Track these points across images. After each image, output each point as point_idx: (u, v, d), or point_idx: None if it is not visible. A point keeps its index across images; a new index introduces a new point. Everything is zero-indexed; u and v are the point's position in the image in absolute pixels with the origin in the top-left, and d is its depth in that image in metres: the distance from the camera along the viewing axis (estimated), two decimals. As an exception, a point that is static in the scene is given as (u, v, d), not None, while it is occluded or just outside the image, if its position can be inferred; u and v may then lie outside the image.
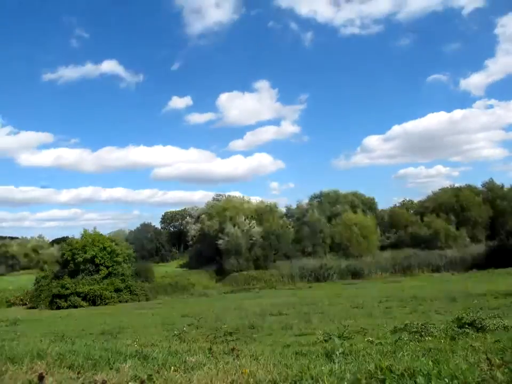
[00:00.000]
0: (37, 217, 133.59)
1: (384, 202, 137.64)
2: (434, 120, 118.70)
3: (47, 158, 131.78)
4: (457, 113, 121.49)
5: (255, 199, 71.37)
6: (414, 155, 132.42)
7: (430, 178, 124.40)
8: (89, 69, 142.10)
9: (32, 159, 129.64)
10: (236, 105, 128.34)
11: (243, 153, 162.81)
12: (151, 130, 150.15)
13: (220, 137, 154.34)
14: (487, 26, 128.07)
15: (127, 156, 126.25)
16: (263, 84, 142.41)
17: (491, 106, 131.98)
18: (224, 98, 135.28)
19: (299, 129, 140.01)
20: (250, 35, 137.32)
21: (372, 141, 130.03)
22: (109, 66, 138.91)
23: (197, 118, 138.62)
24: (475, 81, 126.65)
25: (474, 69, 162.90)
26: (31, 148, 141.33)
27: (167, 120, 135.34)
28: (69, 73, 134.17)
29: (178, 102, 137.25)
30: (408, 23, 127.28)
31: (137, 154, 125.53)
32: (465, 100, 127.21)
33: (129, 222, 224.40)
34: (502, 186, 65.24)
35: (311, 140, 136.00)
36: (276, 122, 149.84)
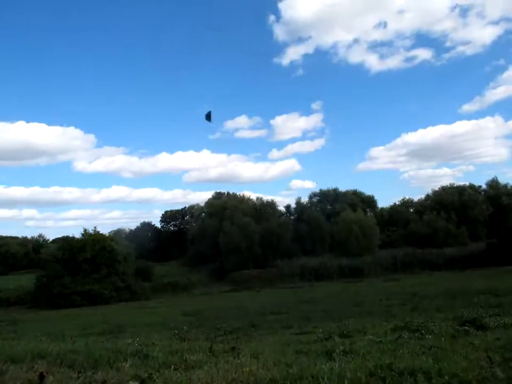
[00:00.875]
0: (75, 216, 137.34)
1: (384, 201, 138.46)
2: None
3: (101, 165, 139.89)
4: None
5: (255, 197, 71.25)
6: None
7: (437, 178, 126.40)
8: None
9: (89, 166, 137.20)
10: (288, 125, 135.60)
11: (277, 159, 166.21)
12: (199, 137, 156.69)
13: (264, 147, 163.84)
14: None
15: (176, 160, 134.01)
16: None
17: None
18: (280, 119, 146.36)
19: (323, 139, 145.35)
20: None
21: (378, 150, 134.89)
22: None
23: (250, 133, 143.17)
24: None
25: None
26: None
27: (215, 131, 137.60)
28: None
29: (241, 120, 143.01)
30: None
31: (185, 158, 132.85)
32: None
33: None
34: (506, 185, 65.39)
35: (331, 146, 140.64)
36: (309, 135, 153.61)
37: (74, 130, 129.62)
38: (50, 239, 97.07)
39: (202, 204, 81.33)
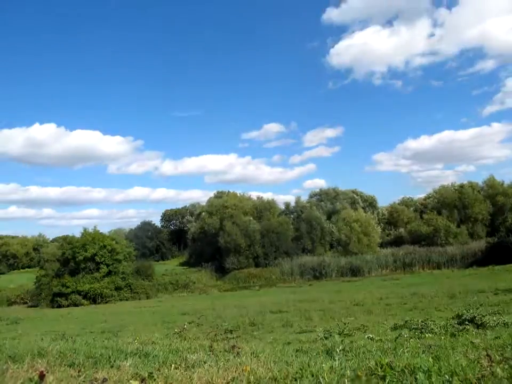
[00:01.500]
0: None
1: (385, 200, 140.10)
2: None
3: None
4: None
5: (255, 196, 71.22)
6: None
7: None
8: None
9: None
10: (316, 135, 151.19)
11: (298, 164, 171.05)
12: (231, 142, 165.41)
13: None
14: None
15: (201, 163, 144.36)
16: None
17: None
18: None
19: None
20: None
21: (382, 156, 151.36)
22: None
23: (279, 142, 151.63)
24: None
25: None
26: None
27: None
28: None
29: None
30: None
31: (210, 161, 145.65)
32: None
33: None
34: (502, 183, 65.37)
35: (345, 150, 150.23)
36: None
37: (120, 138, 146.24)
38: (51, 238, 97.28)
39: (202, 203, 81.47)
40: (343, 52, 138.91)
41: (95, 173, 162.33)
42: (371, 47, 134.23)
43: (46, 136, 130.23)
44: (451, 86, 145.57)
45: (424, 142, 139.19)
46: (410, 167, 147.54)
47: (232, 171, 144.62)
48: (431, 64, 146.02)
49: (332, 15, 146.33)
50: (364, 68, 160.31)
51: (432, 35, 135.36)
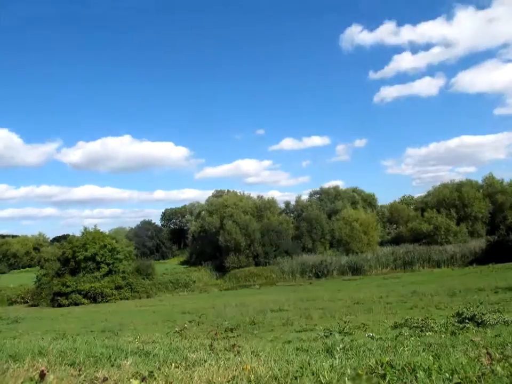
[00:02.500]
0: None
1: (384, 198, 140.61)
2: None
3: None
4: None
5: (255, 194, 71.23)
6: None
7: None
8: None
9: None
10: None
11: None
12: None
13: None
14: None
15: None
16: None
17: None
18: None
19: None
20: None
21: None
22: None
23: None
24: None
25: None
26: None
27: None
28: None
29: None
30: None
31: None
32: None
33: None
34: (502, 181, 65.35)
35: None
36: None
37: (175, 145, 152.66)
38: (51, 238, 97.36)
39: (202, 202, 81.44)
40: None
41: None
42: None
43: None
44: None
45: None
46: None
47: (260, 174, 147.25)
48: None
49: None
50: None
51: None
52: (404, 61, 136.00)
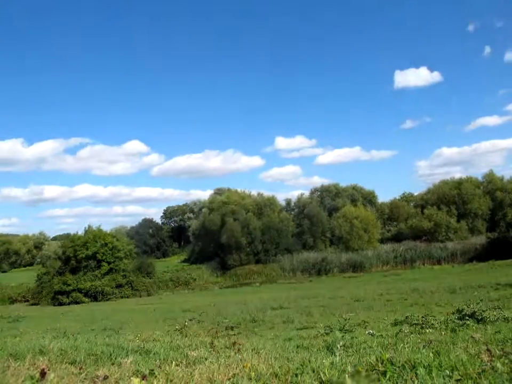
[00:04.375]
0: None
1: (384, 195, 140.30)
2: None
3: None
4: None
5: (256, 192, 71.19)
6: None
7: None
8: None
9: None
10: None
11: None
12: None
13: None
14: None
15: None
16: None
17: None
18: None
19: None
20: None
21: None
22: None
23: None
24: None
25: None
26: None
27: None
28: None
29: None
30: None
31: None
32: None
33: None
34: (502, 178, 65.29)
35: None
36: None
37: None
38: (51, 236, 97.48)
39: (203, 200, 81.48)
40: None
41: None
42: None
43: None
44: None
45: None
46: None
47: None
48: None
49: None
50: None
51: None
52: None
